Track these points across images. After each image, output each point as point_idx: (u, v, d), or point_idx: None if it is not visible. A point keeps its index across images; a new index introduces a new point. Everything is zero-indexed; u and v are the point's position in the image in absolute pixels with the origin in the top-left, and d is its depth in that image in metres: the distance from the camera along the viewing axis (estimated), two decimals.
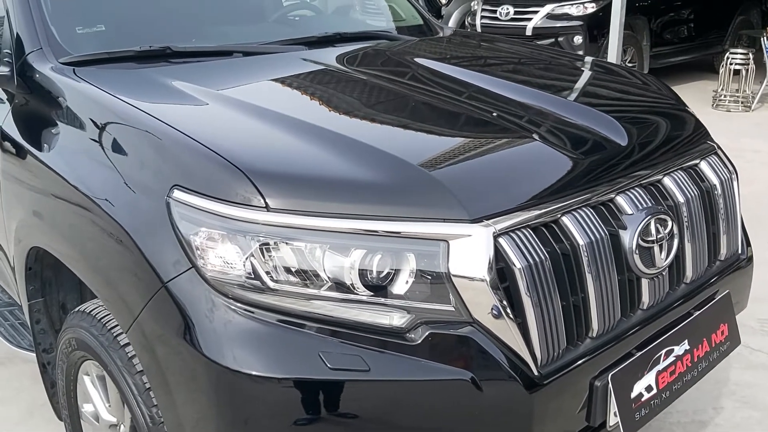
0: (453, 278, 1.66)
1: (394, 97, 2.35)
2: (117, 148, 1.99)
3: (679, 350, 2.03)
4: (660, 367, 1.97)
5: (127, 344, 1.92)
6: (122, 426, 2.24)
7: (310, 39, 2.92)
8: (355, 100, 2.31)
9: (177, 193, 1.77)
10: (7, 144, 2.46)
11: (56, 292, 2.55)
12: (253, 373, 1.60)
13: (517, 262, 1.70)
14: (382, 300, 1.68)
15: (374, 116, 2.20)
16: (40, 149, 2.27)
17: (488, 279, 1.66)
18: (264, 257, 1.67)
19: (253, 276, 1.67)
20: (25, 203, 2.36)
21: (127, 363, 1.95)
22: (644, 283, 1.99)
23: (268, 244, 1.67)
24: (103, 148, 2.03)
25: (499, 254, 1.70)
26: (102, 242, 1.93)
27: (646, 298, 2.00)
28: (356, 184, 1.74)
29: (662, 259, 1.99)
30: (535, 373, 1.72)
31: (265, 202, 1.67)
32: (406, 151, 1.88)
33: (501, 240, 1.71)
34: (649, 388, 1.93)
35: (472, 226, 1.69)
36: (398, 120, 2.17)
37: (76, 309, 2.25)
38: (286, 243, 1.67)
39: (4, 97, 2.59)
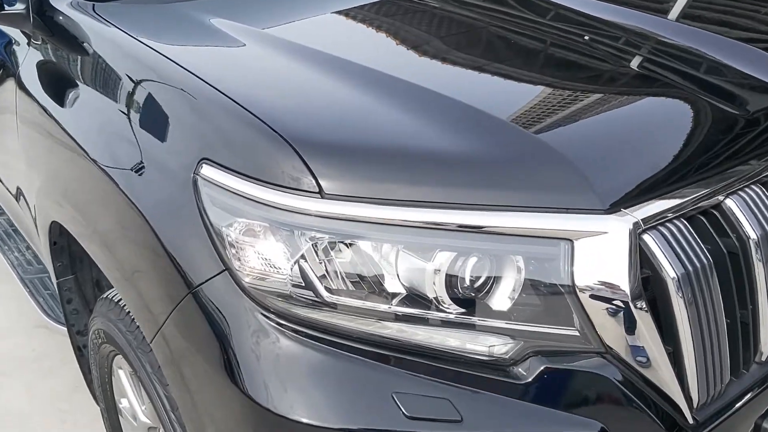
0: (579, 291, 1.19)
1: (491, 39, 1.83)
2: (136, 106, 1.57)
3: None
4: None
5: None
6: (161, 431, 1.90)
7: None
8: (440, 41, 1.80)
9: (206, 170, 1.34)
10: (23, 93, 2.08)
11: (88, 267, 2.19)
12: (303, 420, 1.18)
13: (670, 268, 1.21)
14: (478, 320, 1.22)
15: (465, 62, 1.69)
16: (55, 105, 1.88)
17: (630, 293, 1.18)
18: (318, 260, 1.23)
19: (303, 284, 1.24)
20: (43, 163, 1.98)
21: (158, 371, 1.56)
22: None
23: (322, 242, 1.23)
24: (121, 107, 1.61)
25: (643, 257, 1.21)
26: (121, 228, 1.52)
27: None
28: (442, 159, 1.27)
29: None
30: (690, 420, 1.25)
31: (319, 186, 1.22)
32: (510, 110, 1.38)
33: (647, 237, 1.22)
34: None
35: (607, 218, 1.21)
36: (498, 68, 1.65)
37: (104, 295, 1.88)
38: (347, 241, 1.22)
39: (22, 38, 2.19)
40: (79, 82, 1.82)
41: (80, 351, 2.33)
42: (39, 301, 2.73)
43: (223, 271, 1.29)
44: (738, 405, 1.31)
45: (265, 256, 1.26)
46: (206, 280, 1.30)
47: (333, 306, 1.23)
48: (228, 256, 1.28)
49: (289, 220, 1.24)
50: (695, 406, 1.26)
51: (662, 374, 1.22)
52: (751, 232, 1.31)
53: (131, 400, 2.01)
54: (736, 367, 1.34)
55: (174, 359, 1.39)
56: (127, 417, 2.11)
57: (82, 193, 1.68)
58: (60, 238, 2.06)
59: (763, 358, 1.38)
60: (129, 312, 1.67)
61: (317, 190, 1.22)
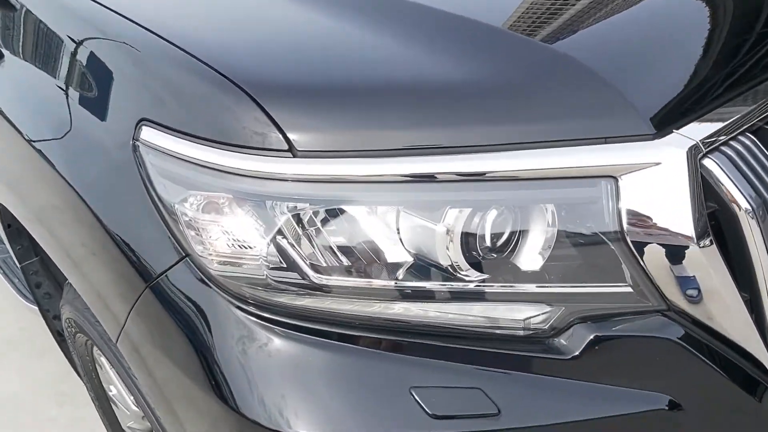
0: (629, 238, 0.94)
1: None
2: (59, 61, 1.28)
3: None
4: None
5: None
6: None
7: None
8: None
9: (147, 133, 1.07)
10: None
11: None
12: None
13: (741, 197, 0.95)
14: (505, 286, 0.98)
15: None
16: None
17: (694, 233, 0.93)
18: (300, 235, 0.98)
19: (285, 266, 0.99)
20: None
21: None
22: None
23: (303, 212, 0.97)
24: (42, 66, 1.32)
25: (706, 188, 0.95)
26: (58, 212, 1.26)
27: None
28: (440, 90, 1.00)
29: None
30: None
31: (288, 142, 0.96)
32: (505, 16, 1.10)
33: (708, 162, 0.96)
34: None
35: (657, 144, 0.94)
36: None
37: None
38: (333, 208, 0.97)
39: None
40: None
41: (60, 336, 2.11)
42: (14, 282, 2.50)
43: (184, 258, 1.04)
44: None
45: (233, 236, 1.00)
46: (164, 271, 1.05)
47: (324, 289, 0.99)
48: (187, 239, 1.03)
49: (257, 189, 0.98)
50: None
51: (739, 326, 0.99)
52: None
53: (120, 390, 1.80)
54: None
55: (145, 364, 1.16)
56: (119, 405, 1.91)
57: (14, 171, 1.42)
58: (14, 221, 1.81)
59: None
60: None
61: (287, 147, 0.96)
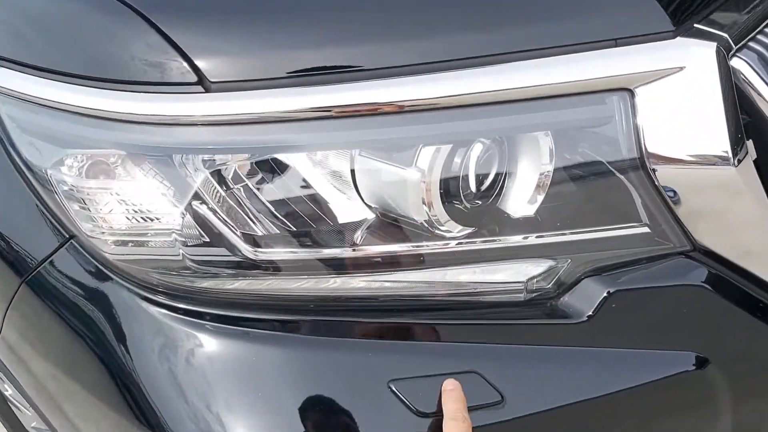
0: (651, 165, 0.74)
1: None
2: None
3: None
4: None
5: None
6: None
7: None
8: None
9: (1, 76, 0.79)
10: None
11: None
12: None
13: None
14: (494, 241, 0.77)
15: None
16: None
17: (731, 149, 0.73)
18: (224, 198, 0.73)
19: (208, 240, 0.74)
20: None
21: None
22: None
23: (226, 167, 0.72)
24: None
25: (741, 96, 0.76)
26: None
27: None
28: None
29: None
30: None
31: (197, 73, 0.70)
32: None
33: (738, 62, 0.76)
34: None
35: (679, 44, 0.74)
36: None
37: None
38: (266, 158, 0.72)
39: None
40: None
41: None
42: None
43: (68, 241, 0.77)
44: None
45: (132, 206, 0.75)
46: (43, 261, 0.78)
47: (263, 265, 0.75)
48: (69, 215, 0.76)
49: (159, 140, 0.72)
50: None
51: None
52: None
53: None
54: None
55: (36, 382, 0.90)
56: (19, 406, 1.62)
57: None
58: None
59: None
60: None
61: (195, 79, 0.70)
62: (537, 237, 0.77)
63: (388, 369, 0.74)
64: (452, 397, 0.71)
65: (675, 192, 0.75)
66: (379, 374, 0.74)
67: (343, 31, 0.72)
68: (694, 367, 0.81)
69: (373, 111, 0.71)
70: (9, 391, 1.60)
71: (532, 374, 0.76)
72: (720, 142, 0.74)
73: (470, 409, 0.73)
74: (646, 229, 0.78)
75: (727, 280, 0.81)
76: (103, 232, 0.76)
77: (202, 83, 0.70)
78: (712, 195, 0.77)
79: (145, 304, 0.76)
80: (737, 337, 0.84)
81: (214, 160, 0.72)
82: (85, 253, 0.77)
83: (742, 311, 0.82)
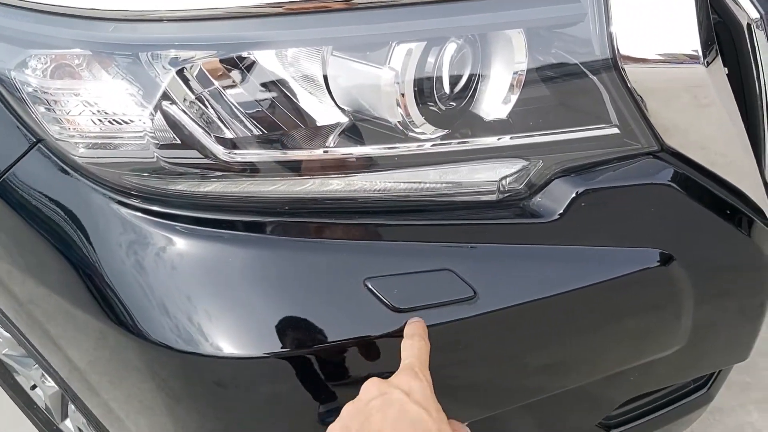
0: (623, 64, 0.74)
1: None
2: None
3: None
4: None
5: None
6: None
7: None
8: None
9: None
10: None
11: None
12: (236, 353, 0.73)
13: (750, 5, 0.77)
14: (467, 142, 0.77)
15: None
16: None
17: (701, 47, 0.74)
18: (192, 99, 0.72)
19: (179, 142, 0.73)
20: None
21: None
22: None
23: (193, 65, 0.71)
24: None
25: None
26: None
27: None
28: None
29: None
30: None
31: None
32: None
33: None
34: None
35: None
36: None
37: None
38: (235, 55, 0.71)
39: None
40: None
41: None
42: None
43: (35, 144, 0.76)
44: None
45: (100, 108, 0.73)
46: (10, 166, 0.77)
47: (236, 167, 0.74)
48: (36, 118, 0.75)
49: (125, 36, 0.70)
50: None
51: (740, 163, 0.83)
52: None
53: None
54: None
55: (18, 301, 0.89)
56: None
57: None
58: None
59: None
60: None
61: None
62: (510, 138, 0.78)
63: (364, 268, 0.75)
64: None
65: (645, 92, 0.76)
66: (355, 273, 0.75)
67: None
68: (658, 264, 0.83)
69: (344, 6, 0.69)
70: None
71: (503, 271, 0.78)
72: (691, 41, 0.74)
73: (444, 305, 0.75)
74: (615, 130, 0.79)
75: (694, 180, 0.83)
76: (71, 136, 0.74)
77: None
78: (682, 96, 0.78)
79: (117, 207, 0.75)
80: (701, 236, 0.86)
81: (178, 57, 0.71)
82: (54, 157, 0.76)
83: (708, 211, 0.84)
